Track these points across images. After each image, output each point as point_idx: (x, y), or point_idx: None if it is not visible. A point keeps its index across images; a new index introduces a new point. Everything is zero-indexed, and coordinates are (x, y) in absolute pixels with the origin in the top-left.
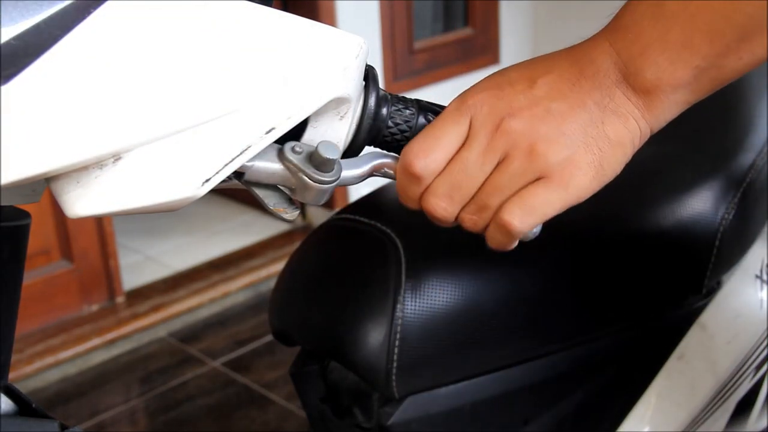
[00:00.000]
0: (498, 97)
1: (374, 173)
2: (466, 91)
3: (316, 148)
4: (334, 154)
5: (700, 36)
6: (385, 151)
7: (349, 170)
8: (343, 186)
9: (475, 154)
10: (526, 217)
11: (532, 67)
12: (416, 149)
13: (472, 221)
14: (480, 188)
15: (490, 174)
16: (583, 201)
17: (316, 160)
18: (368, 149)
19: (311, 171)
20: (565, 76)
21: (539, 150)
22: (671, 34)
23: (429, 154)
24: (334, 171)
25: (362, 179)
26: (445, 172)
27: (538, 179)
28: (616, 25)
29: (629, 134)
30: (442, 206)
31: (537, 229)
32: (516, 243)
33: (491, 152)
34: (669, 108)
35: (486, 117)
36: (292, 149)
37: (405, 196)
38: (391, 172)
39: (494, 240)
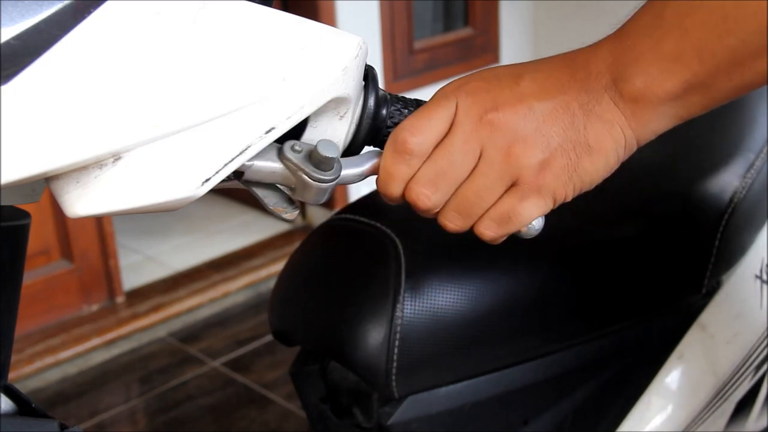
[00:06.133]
0: (485, 89)
1: (375, 172)
2: (454, 80)
3: (316, 146)
4: (333, 153)
5: (691, 51)
6: (381, 150)
7: (349, 169)
8: (343, 185)
9: (460, 141)
10: (501, 229)
11: (523, 66)
12: (409, 126)
13: (455, 226)
14: (462, 186)
15: (471, 174)
16: (582, 201)
17: (315, 158)
18: (368, 149)
19: (311, 170)
20: (555, 75)
21: (515, 152)
22: (664, 44)
23: (422, 132)
24: (333, 170)
25: (362, 178)
26: (430, 158)
27: (513, 185)
28: (619, 32)
29: (612, 142)
30: (426, 194)
31: (539, 226)
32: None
33: (473, 142)
34: (657, 120)
35: (470, 106)
36: (292, 148)
37: (390, 179)
38: None
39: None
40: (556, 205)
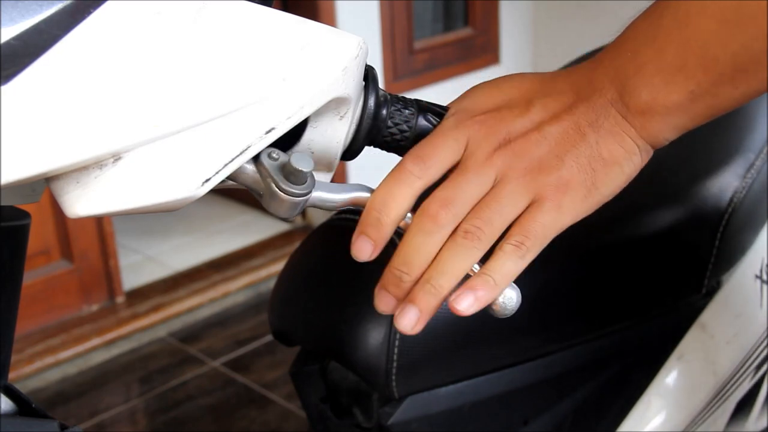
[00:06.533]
0: (497, 118)
1: (353, 205)
2: (463, 104)
3: (289, 158)
4: (306, 167)
5: (694, 60)
6: (368, 186)
7: (326, 192)
8: (319, 208)
9: (473, 168)
10: (528, 241)
11: (532, 88)
12: (416, 153)
13: (477, 230)
14: (480, 200)
15: (487, 193)
16: None
17: (287, 169)
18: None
19: (279, 179)
20: (561, 99)
21: (532, 174)
22: (666, 55)
23: (430, 159)
24: (304, 185)
25: (338, 207)
26: (444, 183)
27: (531, 203)
28: (617, 42)
29: (625, 153)
30: (442, 208)
31: (512, 307)
32: (481, 306)
33: (489, 168)
34: (667, 130)
35: (482, 139)
36: (269, 155)
37: (390, 198)
38: None
39: (491, 271)
40: (576, 220)
